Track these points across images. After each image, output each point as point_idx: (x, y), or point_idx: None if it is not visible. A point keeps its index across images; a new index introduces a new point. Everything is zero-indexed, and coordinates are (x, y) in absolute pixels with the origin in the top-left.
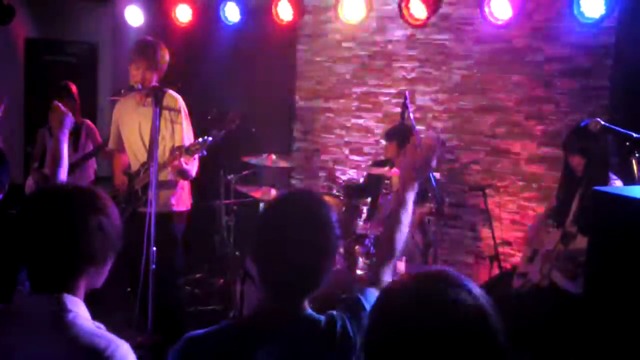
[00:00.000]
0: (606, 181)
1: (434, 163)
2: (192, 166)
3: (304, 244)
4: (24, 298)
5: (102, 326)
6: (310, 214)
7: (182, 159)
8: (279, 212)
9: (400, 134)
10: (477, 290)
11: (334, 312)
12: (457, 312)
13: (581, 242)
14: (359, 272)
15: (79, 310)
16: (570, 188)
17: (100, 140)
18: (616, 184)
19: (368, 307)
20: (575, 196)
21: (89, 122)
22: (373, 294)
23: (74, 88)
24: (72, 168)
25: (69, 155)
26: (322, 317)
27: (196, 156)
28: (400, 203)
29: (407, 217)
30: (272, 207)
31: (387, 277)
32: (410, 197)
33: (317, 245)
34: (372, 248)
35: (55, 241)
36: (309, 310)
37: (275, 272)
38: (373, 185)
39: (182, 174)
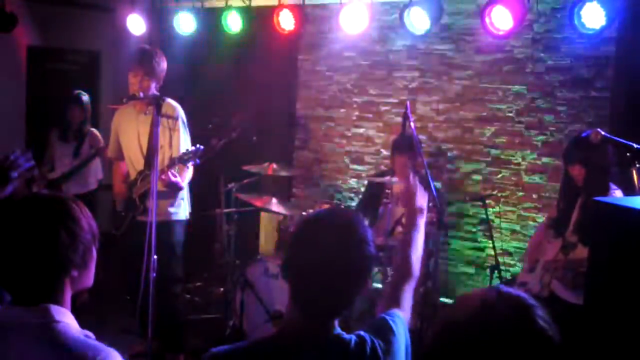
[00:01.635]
0: (606, 191)
1: (420, 203)
2: (183, 176)
3: (339, 265)
4: (9, 310)
5: (91, 335)
6: (347, 234)
7: (170, 171)
8: (315, 229)
9: (411, 146)
10: (550, 328)
11: (363, 333)
12: (527, 347)
13: (581, 252)
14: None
15: (66, 319)
16: (571, 198)
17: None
18: (616, 194)
19: (396, 329)
20: (576, 206)
21: (95, 131)
22: (399, 316)
23: (84, 98)
24: (69, 174)
25: (69, 162)
26: (352, 337)
27: (189, 165)
28: (412, 225)
29: (420, 237)
30: (309, 223)
31: (407, 298)
32: (421, 221)
33: (351, 267)
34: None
35: (30, 256)
36: (338, 330)
37: (307, 291)
38: (374, 194)
39: (170, 186)
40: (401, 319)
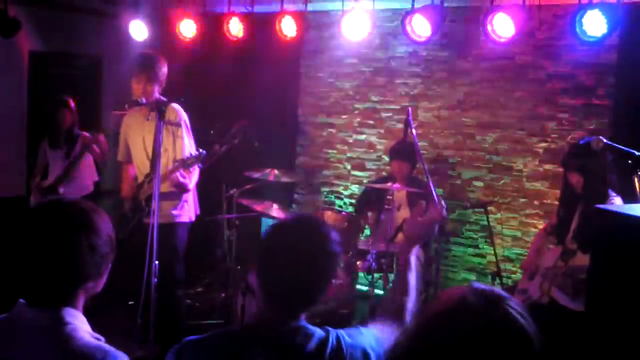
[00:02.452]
0: (605, 198)
1: (436, 231)
2: (190, 179)
3: (303, 261)
4: (21, 311)
5: (101, 338)
6: (311, 233)
7: (179, 172)
8: (282, 231)
9: (410, 152)
10: (525, 320)
11: (329, 328)
12: (503, 340)
13: (581, 259)
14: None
15: (77, 322)
16: (570, 205)
17: (98, 151)
18: (615, 201)
19: (366, 334)
20: (575, 213)
21: (84, 133)
22: (375, 335)
23: (72, 103)
24: (64, 176)
25: (60, 165)
26: (317, 330)
27: (194, 168)
28: (406, 265)
29: (413, 278)
30: (280, 228)
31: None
32: (413, 259)
33: (314, 262)
34: (373, 263)
35: (50, 264)
36: (304, 322)
37: (275, 287)
38: (374, 200)
39: (179, 186)
40: (376, 336)
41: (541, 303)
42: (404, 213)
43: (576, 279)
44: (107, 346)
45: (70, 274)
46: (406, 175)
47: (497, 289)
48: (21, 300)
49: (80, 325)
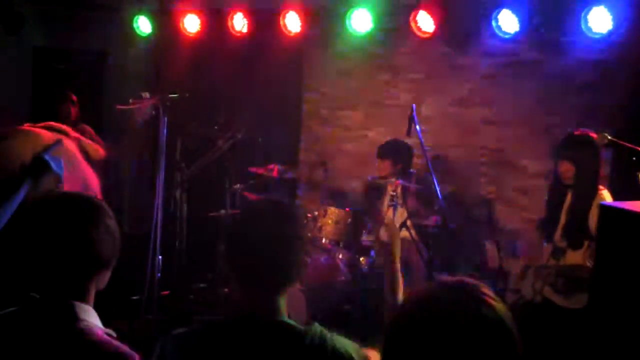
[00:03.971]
0: (595, 192)
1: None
2: None
3: (270, 239)
4: (35, 305)
5: (113, 333)
6: (277, 213)
7: None
8: (250, 213)
9: (393, 150)
10: (497, 304)
11: (316, 325)
12: (480, 328)
13: (572, 257)
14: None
15: (90, 317)
16: (559, 198)
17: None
18: (603, 195)
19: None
20: (563, 207)
21: (86, 126)
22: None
23: (73, 96)
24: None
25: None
26: (297, 324)
27: None
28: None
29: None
30: (245, 210)
31: None
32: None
33: (281, 240)
34: (376, 259)
35: (70, 247)
36: (285, 318)
37: (245, 265)
38: (374, 196)
39: None
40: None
41: (535, 302)
42: (404, 210)
43: (568, 277)
44: (119, 343)
45: (89, 254)
46: (389, 173)
47: (466, 278)
48: (33, 294)
49: (93, 320)
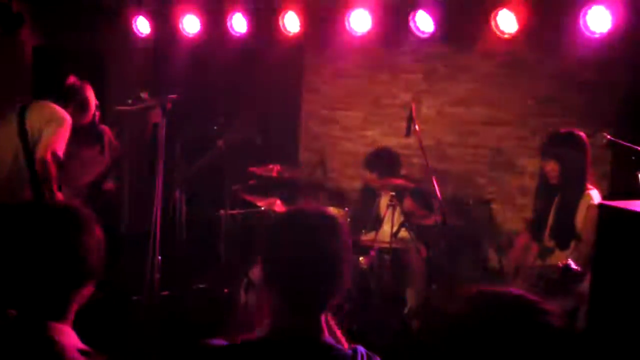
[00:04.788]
0: (581, 191)
1: None
2: None
3: (313, 255)
4: (9, 327)
5: (90, 351)
6: (318, 225)
7: None
8: (288, 225)
9: (378, 162)
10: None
11: (364, 350)
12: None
13: (559, 257)
14: None
15: (66, 339)
16: (546, 198)
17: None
18: (592, 195)
19: None
20: (552, 207)
21: (106, 127)
22: None
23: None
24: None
25: (98, 162)
26: (350, 352)
27: None
28: None
29: None
30: (283, 221)
31: None
32: None
33: (324, 255)
34: (376, 260)
35: (58, 258)
36: (328, 338)
37: (291, 282)
38: (370, 197)
39: None
40: None
41: None
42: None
43: (548, 279)
44: (99, 357)
45: (71, 276)
46: (378, 185)
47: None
48: (9, 311)
49: (69, 341)
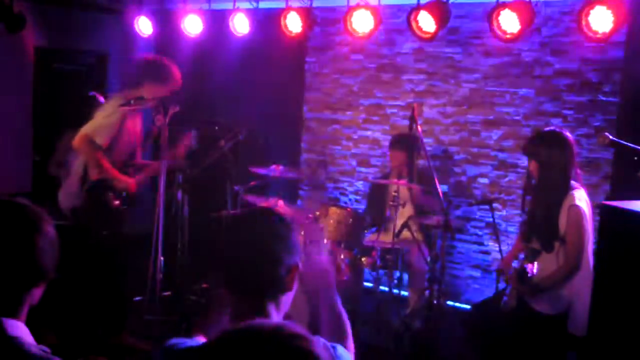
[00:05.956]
0: (563, 190)
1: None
2: None
3: (252, 245)
4: None
5: (47, 350)
6: (260, 220)
7: None
8: (234, 222)
9: (408, 142)
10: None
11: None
12: None
13: (546, 259)
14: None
15: (20, 334)
16: (532, 198)
17: None
18: (575, 195)
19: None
20: (537, 208)
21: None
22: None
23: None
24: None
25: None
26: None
27: None
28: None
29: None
30: (232, 221)
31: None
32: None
33: (264, 244)
34: (378, 260)
35: (11, 256)
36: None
37: (232, 272)
38: (377, 196)
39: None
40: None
41: (512, 307)
42: (408, 209)
43: (525, 280)
44: (54, 358)
45: (24, 274)
46: (404, 165)
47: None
48: None
49: (23, 336)
